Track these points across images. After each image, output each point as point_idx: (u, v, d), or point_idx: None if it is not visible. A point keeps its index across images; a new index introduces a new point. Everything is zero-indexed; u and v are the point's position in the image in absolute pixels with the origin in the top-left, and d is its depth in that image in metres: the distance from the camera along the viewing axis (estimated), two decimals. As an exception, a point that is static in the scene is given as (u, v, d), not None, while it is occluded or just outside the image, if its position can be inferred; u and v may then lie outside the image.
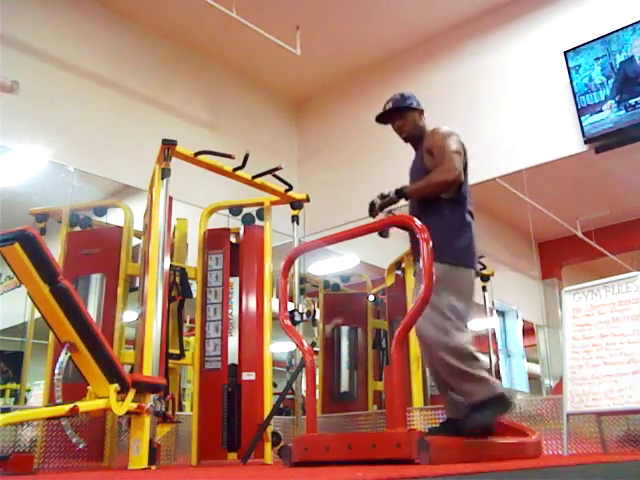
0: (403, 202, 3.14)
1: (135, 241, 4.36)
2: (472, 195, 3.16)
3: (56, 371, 2.87)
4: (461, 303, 2.93)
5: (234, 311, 4.14)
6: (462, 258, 2.99)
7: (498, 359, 5.11)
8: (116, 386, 2.91)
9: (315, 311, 5.27)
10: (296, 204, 4.55)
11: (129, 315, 4.19)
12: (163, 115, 5.35)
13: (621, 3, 4.65)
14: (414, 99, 3.30)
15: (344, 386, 5.40)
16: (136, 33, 5.38)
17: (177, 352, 4.05)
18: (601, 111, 4.55)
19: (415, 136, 3.25)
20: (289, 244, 4.66)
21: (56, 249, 4.08)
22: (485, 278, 5.19)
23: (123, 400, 2.94)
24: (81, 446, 2.93)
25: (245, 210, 4.52)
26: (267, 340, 4.08)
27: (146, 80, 5.33)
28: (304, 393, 4.67)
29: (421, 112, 3.29)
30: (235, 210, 4.53)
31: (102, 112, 4.96)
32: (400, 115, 3.24)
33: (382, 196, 3.07)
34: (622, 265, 4.73)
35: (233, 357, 4.02)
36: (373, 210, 3.11)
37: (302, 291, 4.89)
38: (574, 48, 4.69)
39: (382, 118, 3.31)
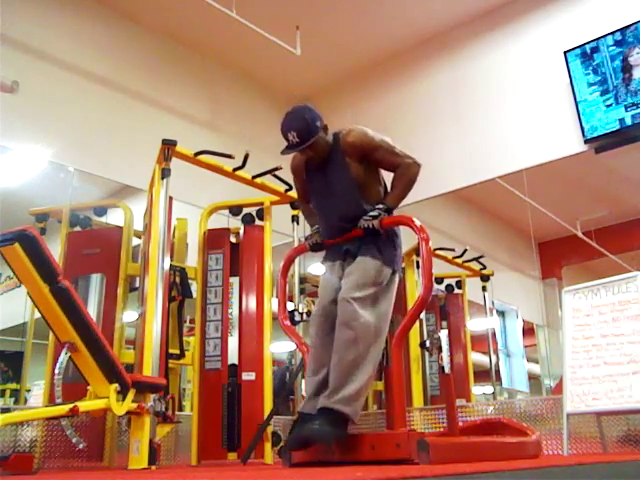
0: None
1: (135, 241, 4.36)
2: None
3: (56, 371, 2.86)
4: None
5: (234, 311, 4.14)
6: (399, 264, 2.87)
7: (498, 359, 5.11)
8: (116, 386, 2.90)
9: (315, 311, 5.25)
10: (296, 204, 4.54)
11: (129, 315, 4.19)
12: (163, 115, 5.35)
13: (621, 3, 4.65)
14: (317, 116, 2.71)
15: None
16: (136, 33, 5.38)
17: (177, 352, 4.04)
18: (601, 111, 4.55)
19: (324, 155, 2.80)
20: (289, 244, 4.66)
21: (56, 249, 4.07)
22: (485, 278, 5.20)
23: (123, 400, 2.95)
24: (81, 446, 2.93)
25: (245, 210, 4.51)
26: (267, 340, 4.08)
27: (146, 80, 5.32)
28: (304, 393, 4.66)
29: (326, 127, 2.77)
30: (235, 210, 4.53)
31: (102, 112, 4.96)
32: (310, 145, 2.69)
33: (374, 217, 2.71)
34: (622, 265, 4.73)
35: (233, 357, 4.02)
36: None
37: (302, 291, 4.88)
38: (574, 48, 4.69)
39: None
